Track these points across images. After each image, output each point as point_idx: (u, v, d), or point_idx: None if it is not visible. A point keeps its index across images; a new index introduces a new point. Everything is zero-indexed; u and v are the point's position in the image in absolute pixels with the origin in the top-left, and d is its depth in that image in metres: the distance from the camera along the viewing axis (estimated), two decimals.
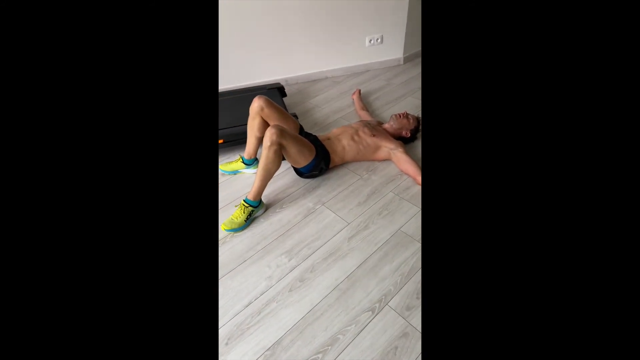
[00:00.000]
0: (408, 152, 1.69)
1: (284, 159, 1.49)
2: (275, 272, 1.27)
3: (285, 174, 1.71)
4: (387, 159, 1.74)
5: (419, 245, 1.32)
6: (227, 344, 1.07)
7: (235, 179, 1.71)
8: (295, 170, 1.63)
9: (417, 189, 1.58)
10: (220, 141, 1.77)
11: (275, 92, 2.10)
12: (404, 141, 1.80)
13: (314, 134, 1.72)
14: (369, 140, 1.70)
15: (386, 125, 1.83)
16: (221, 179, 1.72)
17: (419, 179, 1.57)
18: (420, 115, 1.90)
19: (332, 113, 2.19)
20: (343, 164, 1.74)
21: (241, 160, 1.72)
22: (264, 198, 1.54)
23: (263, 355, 1.03)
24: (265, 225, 1.46)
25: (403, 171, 1.66)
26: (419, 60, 2.79)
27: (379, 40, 2.56)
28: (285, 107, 1.91)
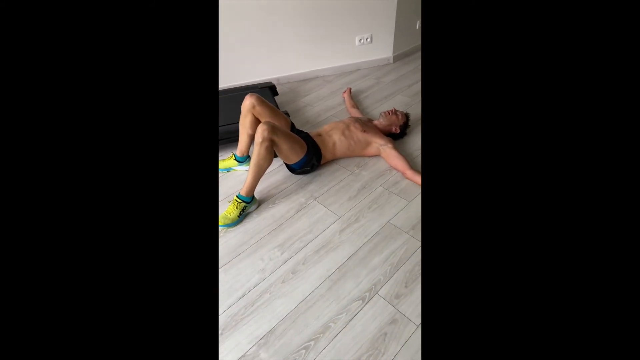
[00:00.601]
0: (397, 148, 1.73)
1: (276, 156, 1.53)
2: (268, 265, 1.30)
3: (278, 171, 1.74)
4: (376, 155, 1.78)
5: (407, 236, 1.37)
6: (221, 334, 1.10)
7: (228, 176, 1.74)
8: (287, 166, 1.67)
9: (406, 183, 1.62)
10: None
11: (267, 91, 2.13)
12: (393, 137, 1.85)
13: (305, 131, 1.76)
14: (360, 135, 1.74)
15: (376, 122, 1.87)
16: None
17: (408, 173, 1.61)
18: (408, 112, 1.95)
19: (323, 111, 2.23)
20: (334, 160, 1.78)
21: (233, 157, 1.74)
22: (256, 194, 1.57)
23: (257, 344, 1.06)
24: (258, 221, 1.49)
25: (392, 166, 1.70)
26: (408, 59, 2.85)
27: (368, 40, 2.61)
28: (277, 106, 1.94)
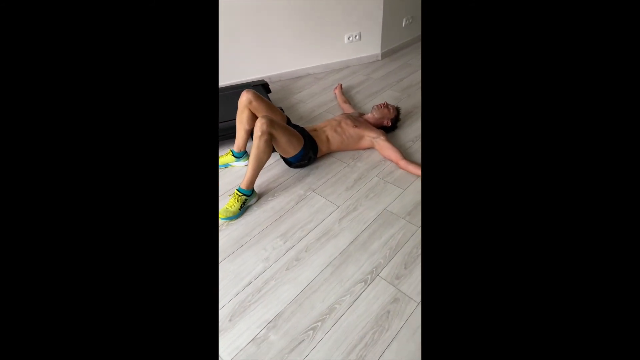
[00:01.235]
0: (389, 140, 1.79)
1: (274, 150, 1.57)
2: (271, 254, 1.34)
3: (275, 165, 1.78)
4: (370, 147, 1.84)
5: (404, 222, 1.43)
6: (230, 320, 1.13)
7: (226, 172, 1.77)
8: (285, 160, 1.71)
9: (400, 173, 1.69)
10: None
11: (260, 89, 2.17)
12: (385, 130, 1.91)
13: (301, 126, 1.80)
14: (352, 131, 1.79)
15: (368, 116, 1.93)
16: None
17: (402, 163, 1.68)
18: (399, 106, 2.02)
19: (316, 107, 2.28)
20: (329, 153, 1.83)
21: (231, 153, 1.77)
22: (255, 188, 1.60)
23: (266, 327, 1.10)
24: (259, 213, 1.53)
25: (386, 157, 1.76)
26: (396, 55, 2.93)
27: (357, 37, 2.68)
28: None
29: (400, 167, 1.70)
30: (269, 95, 2.28)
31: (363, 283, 1.21)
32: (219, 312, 1.16)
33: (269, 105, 1.67)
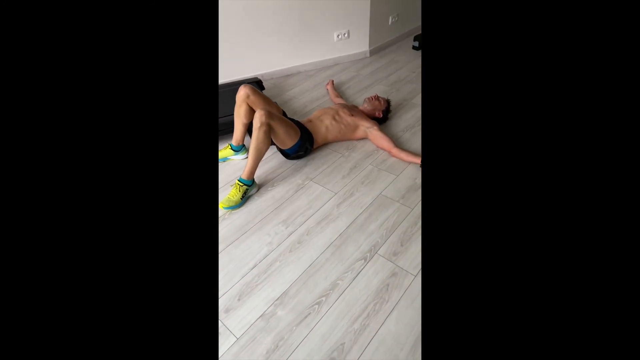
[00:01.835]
0: (382, 130, 1.88)
1: (272, 143, 1.63)
2: (274, 239, 1.40)
3: (273, 158, 1.85)
4: (364, 138, 1.92)
5: (398, 204, 1.51)
6: (239, 299, 1.19)
7: (226, 165, 1.83)
8: (282, 152, 1.78)
9: (393, 161, 1.77)
10: None
11: (254, 86, 2.23)
12: (377, 121, 2.00)
13: (295, 119, 1.87)
14: (349, 119, 1.87)
15: (360, 108, 2.02)
16: None
17: (394, 151, 1.76)
18: (389, 98, 2.11)
19: (309, 102, 2.36)
20: (325, 144, 1.91)
21: (229, 147, 1.83)
22: (256, 179, 1.66)
23: (273, 304, 1.17)
24: (259, 202, 1.59)
25: (379, 146, 1.85)
26: (383, 52, 3.03)
27: (346, 35, 2.77)
28: None
29: (393, 155, 1.79)
30: (263, 92, 2.34)
31: (363, 260, 1.29)
32: (228, 293, 1.22)
33: (266, 98, 1.73)
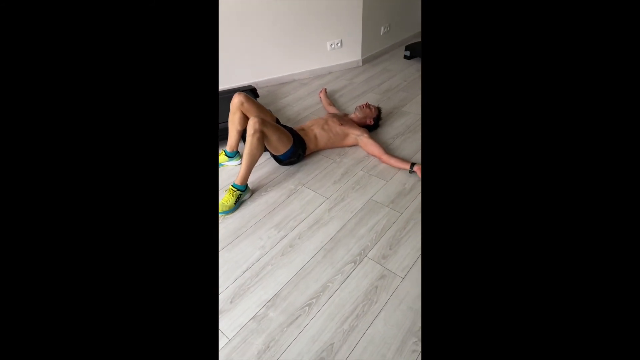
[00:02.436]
0: (372, 137, 1.94)
1: (265, 149, 1.67)
2: (267, 243, 1.44)
3: (266, 164, 1.89)
4: (354, 145, 1.97)
5: (388, 209, 1.56)
6: (231, 302, 1.22)
7: (220, 171, 1.86)
8: (275, 158, 1.82)
9: (383, 167, 1.82)
10: None
11: (248, 94, 2.28)
12: (368, 128, 2.05)
13: (289, 126, 1.92)
14: (338, 129, 1.93)
15: (352, 116, 2.07)
16: None
17: (384, 157, 1.82)
18: (380, 106, 2.17)
19: (303, 110, 2.41)
20: (317, 151, 1.96)
21: (224, 153, 1.87)
22: (249, 184, 1.70)
23: (265, 306, 1.20)
24: (253, 207, 1.63)
25: (369, 153, 1.90)
26: (376, 61, 3.11)
27: (339, 45, 2.84)
28: None
29: (383, 162, 1.84)
30: (257, 99, 2.39)
31: (353, 263, 1.33)
32: (221, 295, 1.24)
33: (260, 106, 1.78)
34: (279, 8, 2.48)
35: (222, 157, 1.87)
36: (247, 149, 1.56)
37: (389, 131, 2.12)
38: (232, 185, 1.60)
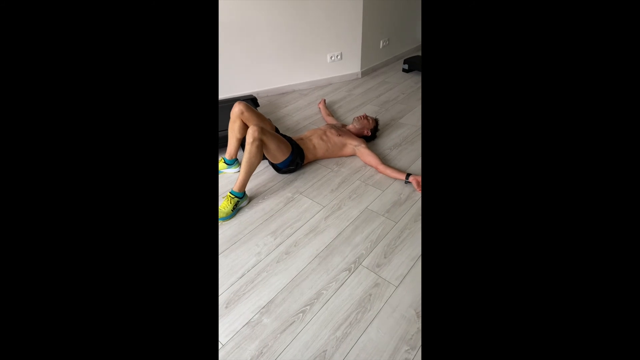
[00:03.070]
0: (369, 147, 1.97)
1: (264, 157, 1.70)
2: (263, 249, 1.45)
3: (264, 172, 1.92)
4: (352, 155, 2.00)
5: (383, 218, 1.58)
6: (226, 307, 1.23)
7: (219, 178, 1.89)
8: (274, 166, 1.85)
9: (380, 177, 1.85)
10: None
11: (249, 103, 2.32)
12: (365, 139, 2.09)
13: (288, 135, 1.96)
14: (335, 139, 1.96)
15: (350, 127, 2.11)
16: None
17: (380, 167, 1.85)
18: (377, 118, 2.21)
19: (302, 120, 2.45)
20: (315, 160, 1.99)
21: (223, 161, 1.90)
22: (247, 192, 1.72)
23: (259, 312, 1.21)
24: (250, 214, 1.65)
25: (366, 163, 1.93)
26: (375, 74, 3.17)
27: (339, 57, 2.90)
28: None
29: (380, 172, 1.86)
30: (257, 109, 2.43)
31: (347, 271, 1.34)
32: None
33: (259, 115, 1.82)
34: (282, 21, 2.55)
35: (221, 165, 1.90)
36: (245, 157, 1.59)
37: (385, 142, 2.16)
38: (230, 192, 1.62)
